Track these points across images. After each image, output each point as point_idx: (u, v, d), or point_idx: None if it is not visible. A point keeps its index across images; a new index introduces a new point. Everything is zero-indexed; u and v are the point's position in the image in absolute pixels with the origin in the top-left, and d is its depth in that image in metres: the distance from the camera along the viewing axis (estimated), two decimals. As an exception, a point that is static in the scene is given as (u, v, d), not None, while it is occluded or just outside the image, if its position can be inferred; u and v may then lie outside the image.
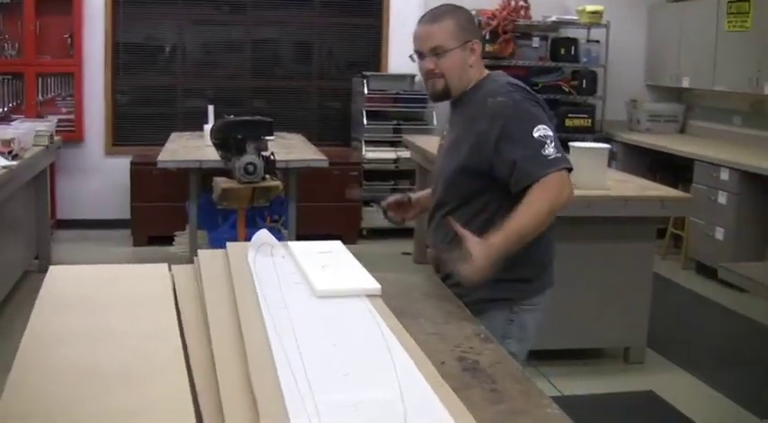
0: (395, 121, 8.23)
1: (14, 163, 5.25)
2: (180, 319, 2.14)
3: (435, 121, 8.21)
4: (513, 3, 8.03)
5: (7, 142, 5.52)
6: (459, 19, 2.86)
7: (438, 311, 2.38)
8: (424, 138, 7.37)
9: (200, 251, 2.72)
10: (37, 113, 7.83)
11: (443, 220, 2.84)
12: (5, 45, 7.95)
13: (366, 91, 8.09)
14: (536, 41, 8.32)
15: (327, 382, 1.63)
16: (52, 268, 2.60)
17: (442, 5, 2.95)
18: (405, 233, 7.67)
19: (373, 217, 8.15)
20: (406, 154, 7.86)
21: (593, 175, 4.71)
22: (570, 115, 8.29)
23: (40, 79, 8.00)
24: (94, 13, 8.06)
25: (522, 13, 8.08)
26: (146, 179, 7.58)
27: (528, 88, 2.87)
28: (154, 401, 1.64)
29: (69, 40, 8.00)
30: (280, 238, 6.00)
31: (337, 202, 7.82)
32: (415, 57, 2.89)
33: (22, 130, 6.00)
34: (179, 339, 1.96)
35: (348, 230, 7.97)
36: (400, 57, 8.25)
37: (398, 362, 1.74)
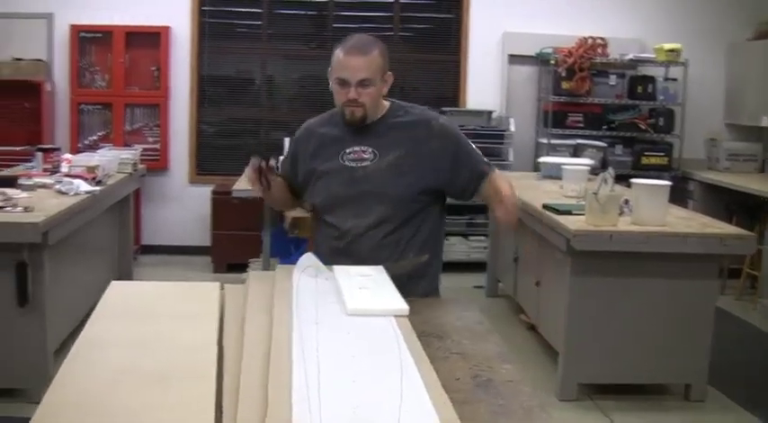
0: (471, 157, 8.31)
1: (97, 188, 5.50)
2: (221, 332, 2.28)
3: (511, 157, 8.27)
4: (589, 41, 8.09)
5: (92, 169, 5.79)
6: (382, 51, 3.10)
7: (466, 333, 2.47)
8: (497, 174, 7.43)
9: (251, 272, 2.88)
10: (124, 142, 8.18)
11: (388, 239, 3.09)
12: (96, 76, 8.32)
13: (442, 126, 8.20)
14: (613, 79, 8.36)
15: (335, 388, 1.75)
16: (113, 283, 2.78)
17: (364, 37, 3.13)
18: (478, 267, 7.76)
19: (448, 250, 8.24)
20: (481, 189, 7.94)
21: (652, 211, 4.76)
22: (647, 153, 8.31)
23: (127, 110, 8.34)
24: (181, 46, 8.40)
25: (600, 50, 8.14)
26: (226, 208, 7.82)
27: None
28: (181, 400, 1.79)
29: (156, 72, 8.33)
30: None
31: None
32: (333, 80, 3.08)
33: (107, 158, 6.29)
34: (215, 349, 2.10)
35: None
36: (478, 93, 8.43)
37: (406, 373, 1.85)
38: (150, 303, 2.54)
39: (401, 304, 2.38)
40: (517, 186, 6.14)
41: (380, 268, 2.77)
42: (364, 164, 3.11)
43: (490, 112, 8.46)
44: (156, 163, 8.37)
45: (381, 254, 3.05)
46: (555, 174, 6.51)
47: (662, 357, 4.94)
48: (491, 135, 8.29)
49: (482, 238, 8.05)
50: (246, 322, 2.29)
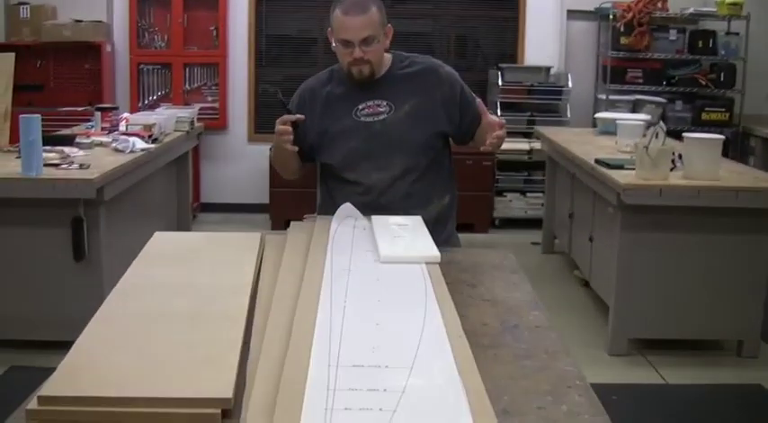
0: (529, 113, 8.28)
1: (153, 146, 5.58)
2: (257, 277, 2.33)
3: (569, 114, 8.22)
4: (649, -5, 7.97)
5: (148, 127, 5.88)
6: (379, 6, 3.08)
7: (499, 282, 2.49)
8: (555, 129, 7.41)
9: (292, 223, 2.92)
10: (184, 102, 8.28)
11: (415, 187, 3.15)
12: (155, 37, 8.42)
13: (501, 83, 8.18)
14: (673, 34, 8.22)
15: (357, 330, 1.80)
16: (156, 233, 2.84)
17: None
18: (535, 224, 7.75)
19: (506, 207, 8.26)
20: (539, 145, 7.90)
21: (704, 165, 4.70)
22: (707, 109, 8.18)
23: (186, 69, 8.43)
24: (239, 5, 8.44)
25: (659, 5, 8.01)
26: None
27: None
28: (210, 337, 1.85)
29: (215, 32, 8.39)
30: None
31: (470, 191, 7.95)
32: (336, 42, 3.07)
33: (164, 117, 6.38)
34: (248, 292, 2.15)
35: (480, 220, 8.08)
36: (537, 49, 8.36)
37: (429, 319, 1.88)
38: (190, 251, 2.60)
39: (433, 252, 2.41)
40: (574, 141, 6.23)
41: (418, 218, 2.80)
42: (381, 117, 3.13)
43: (548, 68, 8.39)
44: (216, 122, 8.47)
45: (409, 203, 3.10)
46: (611, 129, 6.44)
47: (714, 313, 4.91)
48: (549, 91, 8.26)
49: (539, 194, 8.01)
50: (281, 268, 2.33)
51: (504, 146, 7.86)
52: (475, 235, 7.94)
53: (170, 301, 2.10)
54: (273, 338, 1.80)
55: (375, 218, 2.79)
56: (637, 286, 4.89)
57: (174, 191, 7.05)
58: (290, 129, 3.02)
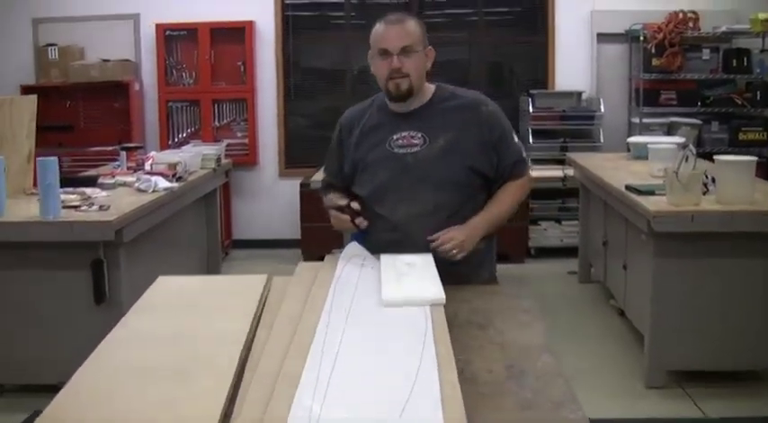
0: (562, 139, 8.14)
1: (176, 185, 5.53)
2: (257, 324, 2.23)
3: (602, 138, 8.07)
4: (680, 14, 7.81)
5: (172, 166, 5.83)
6: (421, 24, 3.04)
7: (511, 323, 2.37)
8: (587, 155, 7.28)
9: (301, 262, 2.84)
10: (213, 138, 8.24)
11: (446, 226, 2.95)
12: (183, 74, 8.41)
13: (531, 109, 8.06)
14: (706, 53, 8.04)
15: (344, 382, 1.69)
16: (160, 278, 2.77)
17: (398, 12, 3.08)
18: (572, 252, 7.59)
19: (541, 236, 8.11)
20: (573, 172, 7.76)
21: (737, 188, 4.54)
22: (744, 129, 7.97)
23: (215, 105, 8.40)
24: (266, 40, 8.42)
25: (691, 24, 7.85)
26: (314, 200, 7.75)
27: None
28: (193, 394, 1.76)
29: (242, 67, 8.36)
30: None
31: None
32: (374, 57, 3.02)
33: (189, 155, 6.34)
34: (241, 344, 2.05)
35: (515, 250, 7.93)
36: (568, 74, 8.24)
37: (423, 370, 1.77)
38: (191, 298, 2.53)
39: (438, 293, 2.30)
40: (605, 167, 6.08)
41: (428, 257, 2.69)
42: (414, 149, 3.01)
43: (580, 93, 8.25)
44: (246, 157, 8.43)
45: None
46: (644, 154, 6.29)
47: (754, 342, 4.71)
48: (581, 116, 8.10)
49: (575, 222, 7.83)
50: (279, 314, 2.23)
51: (538, 173, 7.93)
52: (510, 266, 7.79)
53: (160, 353, 2.02)
54: (255, 398, 1.69)
55: (384, 257, 2.69)
56: (672, 316, 4.72)
57: (203, 228, 7.00)
58: (350, 224, 3.00)
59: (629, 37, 8.20)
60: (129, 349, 2.06)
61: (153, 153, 6.52)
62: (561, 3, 8.36)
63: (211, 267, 7.09)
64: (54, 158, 4.45)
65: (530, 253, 8.13)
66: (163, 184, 5.45)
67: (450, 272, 2.65)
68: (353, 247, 2.77)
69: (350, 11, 8.51)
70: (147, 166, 5.96)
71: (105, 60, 8.18)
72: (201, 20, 8.23)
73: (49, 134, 8.29)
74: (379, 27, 2.98)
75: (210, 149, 6.84)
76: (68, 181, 5.30)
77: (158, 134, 8.39)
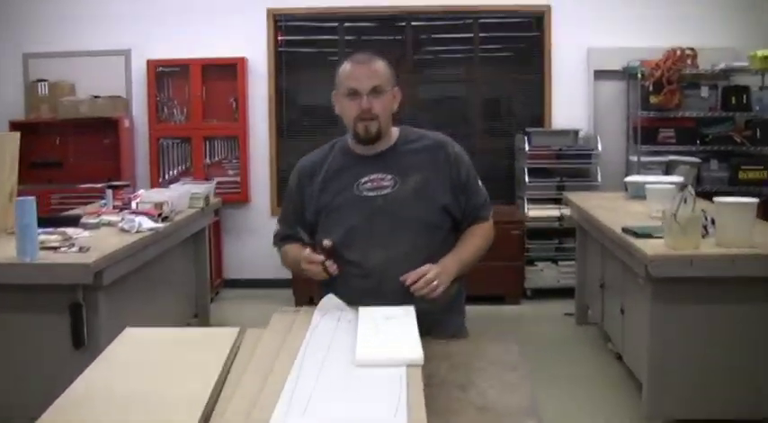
0: (558, 178, 8.01)
1: (161, 225, 5.39)
2: (223, 382, 2.09)
3: (600, 177, 7.94)
4: (678, 52, 7.70)
5: (159, 205, 5.68)
6: (387, 64, 2.95)
7: (495, 382, 2.21)
8: (584, 194, 7.14)
9: (274, 314, 2.69)
10: (205, 176, 8.12)
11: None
12: (174, 111, 8.30)
13: (527, 147, 7.93)
14: (704, 91, 7.92)
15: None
16: (127, 329, 2.62)
17: (366, 52, 2.98)
18: (569, 293, 7.43)
19: (538, 276, 7.96)
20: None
21: (738, 231, 4.40)
22: (743, 167, 7.83)
23: (207, 143, 8.29)
24: (258, 77, 8.31)
25: (689, 61, 7.74)
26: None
27: None
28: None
29: (234, 103, 8.25)
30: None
31: (499, 261, 7.69)
32: (341, 97, 2.94)
33: (177, 194, 6.20)
34: (202, 405, 1.91)
35: (511, 291, 7.80)
36: (565, 111, 8.15)
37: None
38: (156, 353, 2.38)
39: (415, 354, 2.13)
40: (602, 208, 5.94)
41: (410, 309, 2.53)
42: (384, 191, 2.88)
43: (577, 131, 8.13)
44: (237, 196, 8.30)
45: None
46: (642, 194, 6.16)
47: (757, 390, 4.55)
48: (578, 155, 7.98)
49: (572, 262, 7.68)
50: (245, 373, 2.09)
51: (534, 213, 7.76)
52: (505, 307, 7.65)
53: (111, 416, 1.87)
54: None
55: (362, 310, 2.54)
56: (671, 362, 4.57)
57: (191, 269, 6.84)
58: (320, 268, 2.79)
59: (627, 74, 8.09)
60: (80, 411, 1.93)
61: (142, 191, 6.40)
62: (558, 39, 8.26)
63: (200, 309, 6.93)
64: (32, 198, 4.31)
65: (526, 294, 7.97)
66: (147, 224, 5.31)
67: (423, 318, 2.52)
68: (330, 299, 2.63)
69: (344, 47, 8.40)
70: (134, 205, 5.82)
71: (95, 96, 8.07)
72: (193, 56, 8.13)
73: (38, 171, 8.20)
74: (346, 66, 2.89)
75: (199, 188, 6.69)
76: (50, 220, 5.16)
77: (149, 171, 8.27)
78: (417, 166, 2.92)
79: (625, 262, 5.10)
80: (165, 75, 8.29)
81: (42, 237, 4.68)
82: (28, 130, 8.09)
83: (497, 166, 8.52)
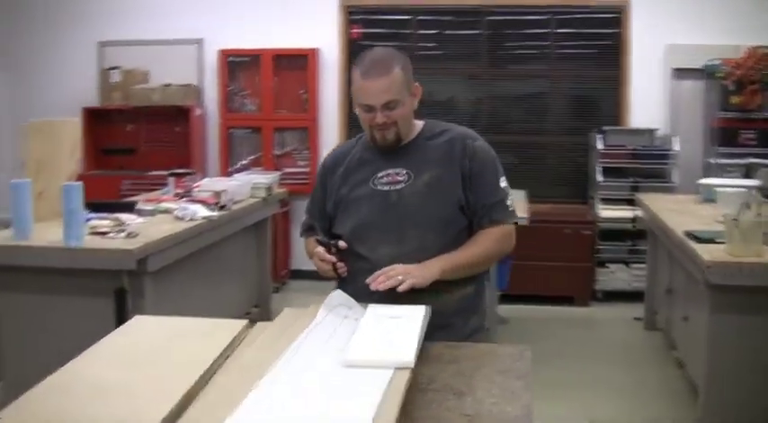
0: (632, 179, 7.78)
1: (215, 214, 5.36)
2: (211, 376, 2.04)
3: (676, 179, 7.68)
4: (760, 50, 7.39)
5: (217, 194, 5.66)
6: (403, 65, 2.77)
7: (495, 391, 2.09)
8: (656, 196, 6.91)
9: (286, 308, 2.63)
10: (274, 166, 8.09)
11: None
12: (245, 100, 8.29)
13: (601, 146, 7.72)
14: (788, 92, 7.61)
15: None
16: (137, 317, 2.60)
17: (380, 53, 2.81)
18: (639, 297, 7.22)
19: (609, 278, 7.75)
20: (643, 213, 7.42)
21: None
22: (830, 172, 7.50)
23: (276, 133, 8.27)
24: (329, 68, 8.27)
25: (771, 61, 7.44)
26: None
27: None
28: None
29: (305, 95, 8.21)
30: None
31: (568, 262, 7.55)
32: (358, 107, 2.77)
33: (237, 183, 6.17)
34: (177, 399, 1.86)
35: (580, 292, 7.62)
36: (642, 110, 7.92)
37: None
38: (152, 342, 2.33)
39: (406, 357, 2.02)
40: (672, 210, 5.73)
41: (419, 309, 2.42)
42: (398, 186, 2.78)
43: (653, 131, 7.88)
44: (306, 187, 8.24)
45: (421, 288, 2.62)
46: (713, 197, 5.94)
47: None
48: (654, 155, 7.73)
49: (644, 265, 7.45)
50: (233, 363, 2.03)
51: (607, 213, 7.56)
52: (573, 309, 7.47)
53: (85, 407, 1.84)
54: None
55: (371, 308, 2.44)
56: (729, 373, 4.36)
57: (254, 258, 6.83)
58: (330, 267, 2.75)
59: (706, 73, 7.80)
60: (55, 399, 1.89)
61: (207, 179, 6.41)
62: (636, 36, 8.01)
63: (261, 299, 6.92)
64: (79, 184, 4.34)
65: (596, 296, 7.77)
66: (202, 212, 5.29)
67: (432, 319, 2.44)
68: (338, 296, 2.54)
69: (417, 41, 8.30)
70: (194, 194, 5.82)
71: (167, 85, 8.12)
72: (265, 46, 8.12)
73: (111, 157, 8.30)
74: (357, 79, 2.73)
75: (262, 178, 6.66)
76: (106, 206, 5.20)
77: (219, 160, 8.29)
78: (434, 161, 2.80)
79: (688, 267, 4.90)
80: (236, 64, 8.32)
81: (94, 222, 4.71)
82: (101, 116, 8.25)
83: (571, 165, 8.35)
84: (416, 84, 2.84)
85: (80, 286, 4.43)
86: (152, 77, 8.31)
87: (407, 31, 8.40)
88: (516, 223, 2.86)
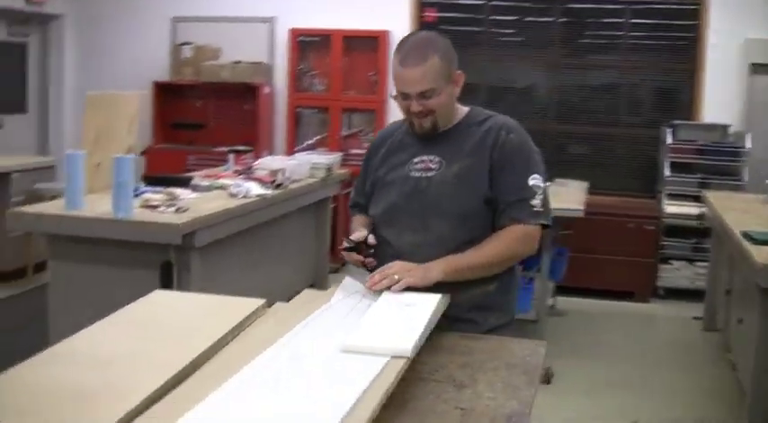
0: (700, 175, 7.61)
1: (269, 192, 5.37)
2: (213, 354, 2.05)
3: (747, 177, 7.49)
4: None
5: (274, 173, 5.68)
6: (443, 53, 2.67)
7: (498, 385, 2.05)
8: (722, 194, 6.74)
9: (306, 290, 2.63)
10: (340, 147, 8.10)
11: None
12: (314, 80, 8.32)
13: (670, 140, 7.57)
14: None
15: None
16: (156, 292, 2.62)
17: (420, 39, 2.73)
18: (702, 296, 7.07)
19: (672, 275, 7.61)
20: (710, 210, 7.25)
21: None
22: None
23: (344, 114, 8.28)
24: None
25: None
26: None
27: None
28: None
29: (374, 77, 8.20)
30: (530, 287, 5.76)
31: (630, 256, 7.43)
32: (397, 95, 2.71)
33: (296, 162, 6.18)
34: (173, 371, 1.88)
35: (641, 288, 7.50)
36: (715, 105, 7.74)
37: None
38: (165, 317, 2.37)
39: (404, 346, 1.99)
40: (735, 209, 5.59)
41: (433, 297, 2.38)
42: (429, 174, 2.72)
43: (726, 127, 7.70)
44: (370, 169, 8.25)
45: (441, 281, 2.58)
46: (782, 198, 5.79)
47: None
48: (724, 152, 7.55)
49: (708, 264, 7.30)
50: (235, 345, 2.03)
51: (673, 209, 7.40)
52: (633, 305, 7.35)
53: (79, 376, 1.86)
54: None
55: (385, 294, 2.42)
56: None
57: (312, 238, 6.85)
58: (359, 259, 2.73)
59: (786, 69, 7.59)
60: (52, 367, 1.92)
61: (269, 157, 6.44)
62: (714, 28, 7.82)
63: (318, 279, 6.93)
64: (130, 157, 4.39)
65: (657, 293, 7.63)
66: (257, 190, 5.31)
67: (448, 313, 2.42)
68: (351, 283, 2.54)
69: (490, 26, 8.23)
70: (253, 171, 5.85)
71: (237, 62, 8.19)
72: (336, 27, 8.13)
73: (180, 131, 8.41)
74: (395, 65, 2.67)
75: (322, 158, 6.66)
76: (162, 180, 5.25)
77: (285, 139, 8.34)
78: (467, 150, 2.72)
79: (743, 268, 4.78)
80: (306, 44, 8.36)
81: (148, 195, 4.76)
82: (171, 91, 8.35)
83: (642, 158, 8.22)
84: (459, 71, 2.74)
85: (127, 258, 4.48)
86: (223, 54, 8.39)
87: (482, 17, 8.32)
88: (546, 225, 2.69)
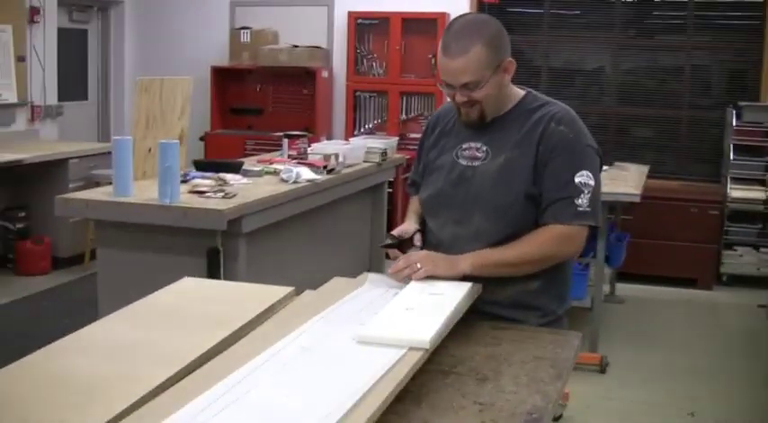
0: (766, 158, 7.40)
1: (319, 177, 5.32)
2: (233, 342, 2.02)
3: (819, 160, 7.27)
4: None
5: (327, 157, 5.64)
6: (489, 40, 2.48)
7: (522, 379, 1.98)
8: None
9: (335, 278, 2.58)
10: (398, 131, 8.05)
11: None
12: (373, 64, 8.27)
13: (735, 123, 7.37)
14: None
15: None
16: (185, 279, 2.60)
17: (466, 24, 2.52)
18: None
19: (736, 262, 7.42)
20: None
21: None
22: None
23: (403, 98, 8.21)
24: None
25: None
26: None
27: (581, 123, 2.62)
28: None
29: (433, 60, 8.12)
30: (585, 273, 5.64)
31: (693, 242, 7.26)
32: (441, 86, 2.57)
33: (349, 147, 6.13)
34: (190, 360, 1.86)
35: (703, 275, 7.32)
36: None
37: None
38: (189, 304, 2.35)
39: (422, 337, 1.92)
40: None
41: (462, 286, 2.32)
42: (475, 163, 2.59)
43: (795, 108, 7.48)
44: (428, 154, 8.18)
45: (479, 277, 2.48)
46: None
47: None
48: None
49: (776, 250, 7.12)
50: (252, 335, 2.00)
51: (738, 193, 7.22)
52: (695, 291, 7.18)
53: (91, 365, 1.84)
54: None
55: (413, 282, 2.35)
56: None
57: (367, 224, 6.80)
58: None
59: None
60: (66, 356, 1.90)
61: (324, 142, 6.41)
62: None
63: (373, 265, 6.88)
64: (175, 142, 4.37)
65: (721, 279, 7.44)
66: (307, 175, 5.26)
67: (487, 309, 2.39)
68: (379, 279, 2.51)
69: (549, 9, 8.09)
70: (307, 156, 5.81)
71: (295, 46, 8.17)
72: (394, 10, 8.07)
73: (239, 117, 8.42)
74: (439, 53, 2.52)
75: (377, 143, 6.60)
76: (212, 165, 5.24)
77: (344, 123, 8.30)
78: (515, 141, 2.57)
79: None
80: (365, 27, 8.30)
81: (196, 181, 4.75)
82: (230, 76, 8.36)
83: (708, 141, 8.04)
84: (509, 59, 2.56)
85: (174, 245, 4.47)
86: (281, 38, 8.37)
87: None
88: (593, 226, 2.51)
